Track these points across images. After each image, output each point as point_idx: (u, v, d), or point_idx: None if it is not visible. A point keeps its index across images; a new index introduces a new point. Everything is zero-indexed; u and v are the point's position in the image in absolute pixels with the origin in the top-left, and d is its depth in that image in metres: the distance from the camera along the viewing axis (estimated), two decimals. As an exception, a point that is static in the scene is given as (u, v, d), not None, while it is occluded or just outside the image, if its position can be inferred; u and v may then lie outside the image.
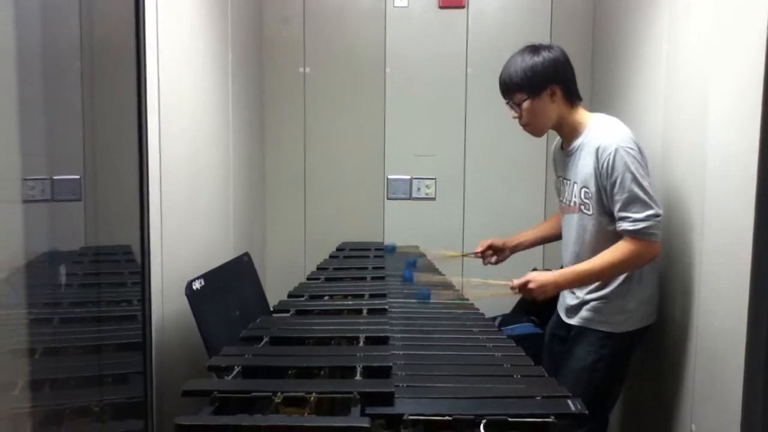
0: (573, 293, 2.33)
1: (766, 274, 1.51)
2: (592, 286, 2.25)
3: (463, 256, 2.83)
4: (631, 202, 2.07)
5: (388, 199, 3.81)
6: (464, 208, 3.78)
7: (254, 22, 3.66)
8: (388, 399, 1.53)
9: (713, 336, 1.97)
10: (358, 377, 1.65)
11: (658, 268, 2.29)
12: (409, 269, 2.60)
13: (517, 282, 2.21)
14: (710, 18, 2.00)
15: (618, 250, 2.11)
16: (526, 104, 2.21)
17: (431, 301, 2.36)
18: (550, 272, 2.27)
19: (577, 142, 2.23)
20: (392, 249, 3.06)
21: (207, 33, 2.74)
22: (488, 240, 2.61)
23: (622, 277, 2.20)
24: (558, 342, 2.43)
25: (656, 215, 2.08)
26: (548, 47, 2.23)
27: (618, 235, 2.13)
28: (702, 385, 2.05)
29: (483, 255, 2.62)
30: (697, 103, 2.07)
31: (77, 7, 1.70)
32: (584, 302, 2.28)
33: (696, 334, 2.09)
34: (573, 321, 2.32)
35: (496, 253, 2.61)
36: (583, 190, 2.19)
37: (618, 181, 2.07)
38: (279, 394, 1.52)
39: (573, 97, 2.24)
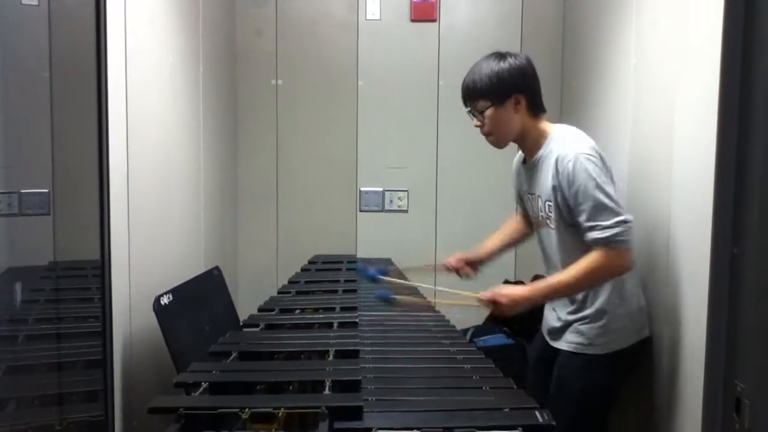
0: (555, 314, 2.23)
1: (722, 284, 1.53)
2: (572, 307, 2.15)
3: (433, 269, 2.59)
4: (597, 209, 1.97)
5: (360, 211, 3.81)
6: (437, 219, 3.80)
7: (227, 34, 3.65)
8: (356, 413, 1.52)
9: (674, 348, 1.99)
10: (327, 391, 1.64)
11: (641, 280, 2.19)
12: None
13: (484, 295, 2.04)
14: (676, 32, 2.03)
15: (589, 260, 1.99)
16: (489, 112, 2.11)
17: (394, 305, 2.27)
18: (521, 285, 2.15)
19: (538, 155, 2.15)
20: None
21: (177, 45, 2.73)
22: (461, 254, 2.47)
23: (602, 296, 2.10)
24: (544, 365, 2.28)
25: (625, 221, 1.97)
26: (514, 55, 2.13)
27: (583, 247, 2.02)
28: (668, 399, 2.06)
29: (456, 269, 2.47)
30: (664, 117, 2.09)
31: (46, 21, 1.69)
32: (567, 324, 2.17)
33: (662, 347, 2.10)
34: (558, 345, 2.21)
35: (471, 266, 2.47)
36: (547, 203, 2.12)
37: (581, 189, 1.98)
38: (246, 410, 1.51)
39: (537, 109, 2.16)
